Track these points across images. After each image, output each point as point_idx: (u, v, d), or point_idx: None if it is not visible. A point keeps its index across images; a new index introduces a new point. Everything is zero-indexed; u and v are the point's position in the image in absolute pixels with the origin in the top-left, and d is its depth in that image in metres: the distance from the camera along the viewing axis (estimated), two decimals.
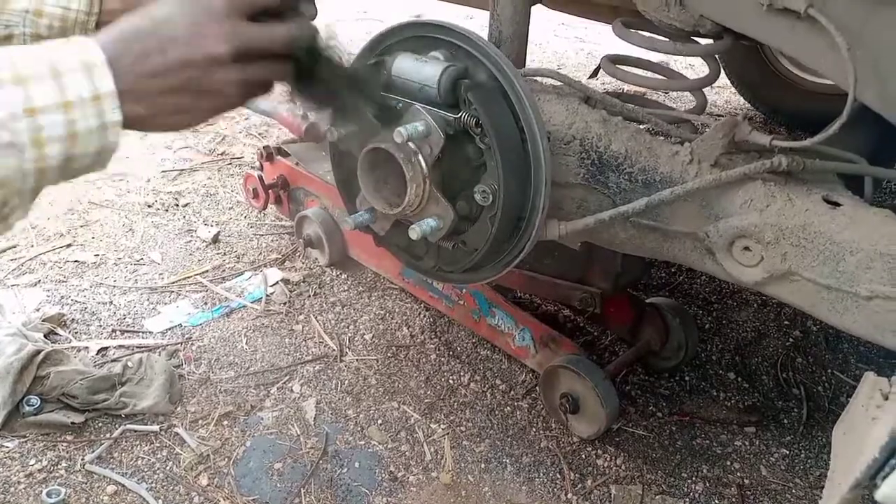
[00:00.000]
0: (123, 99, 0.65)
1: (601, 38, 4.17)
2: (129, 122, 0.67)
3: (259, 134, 2.85)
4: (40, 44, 0.64)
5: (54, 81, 0.61)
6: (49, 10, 0.99)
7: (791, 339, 1.92)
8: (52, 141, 0.61)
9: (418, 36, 1.02)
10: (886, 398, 0.83)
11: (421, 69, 0.98)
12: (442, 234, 1.04)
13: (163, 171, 2.56)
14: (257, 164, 2.20)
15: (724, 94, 3.45)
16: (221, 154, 2.71)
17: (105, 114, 0.63)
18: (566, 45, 4.15)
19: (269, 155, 2.14)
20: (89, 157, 0.64)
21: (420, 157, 0.98)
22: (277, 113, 2.20)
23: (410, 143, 0.97)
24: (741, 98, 3.26)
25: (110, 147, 0.65)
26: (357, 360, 1.76)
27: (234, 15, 0.71)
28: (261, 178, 2.14)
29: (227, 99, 0.73)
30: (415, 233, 1.01)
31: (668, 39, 1.24)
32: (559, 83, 1.17)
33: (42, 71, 0.61)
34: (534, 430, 1.60)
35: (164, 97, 0.69)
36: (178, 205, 2.38)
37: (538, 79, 1.20)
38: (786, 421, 1.67)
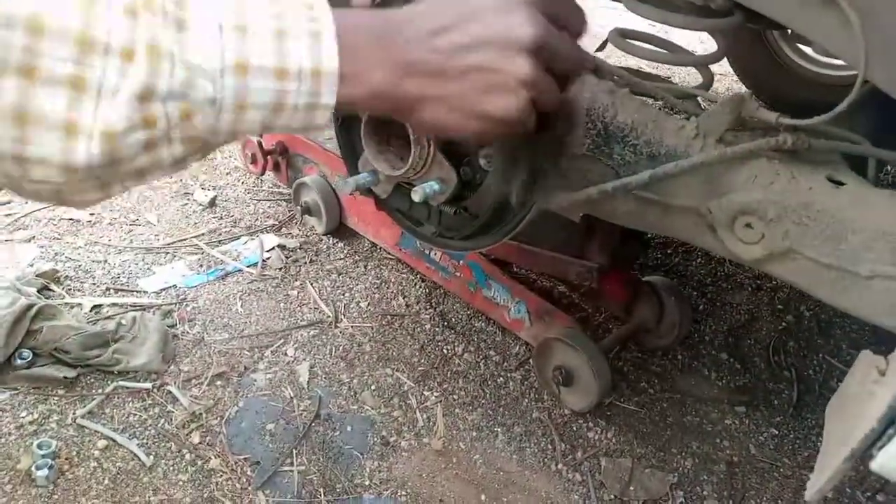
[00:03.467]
0: (403, 73, 0.59)
1: (604, 20, 4.14)
2: (396, 106, 0.61)
3: None
4: None
5: (276, 42, 0.53)
6: None
7: (784, 323, 1.93)
8: (255, 108, 0.54)
9: None
10: (883, 374, 0.83)
11: None
12: (444, 197, 1.03)
13: None
14: None
15: (726, 82, 3.44)
16: None
17: (320, 95, 0.56)
18: None
19: None
20: (287, 129, 0.59)
21: None
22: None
23: None
24: (743, 86, 3.25)
25: (313, 126, 0.59)
26: (352, 326, 1.76)
27: (541, 7, 0.65)
28: (259, 144, 2.13)
29: (510, 106, 0.64)
30: (417, 195, 1.01)
31: (678, 14, 1.22)
32: None
33: (265, 27, 0.53)
34: (526, 401, 1.61)
35: (447, 81, 0.61)
36: None
37: None
38: (776, 402, 1.69)
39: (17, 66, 0.45)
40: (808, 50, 2.88)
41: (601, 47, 1.53)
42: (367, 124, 1.04)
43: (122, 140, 0.49)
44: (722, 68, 3.23)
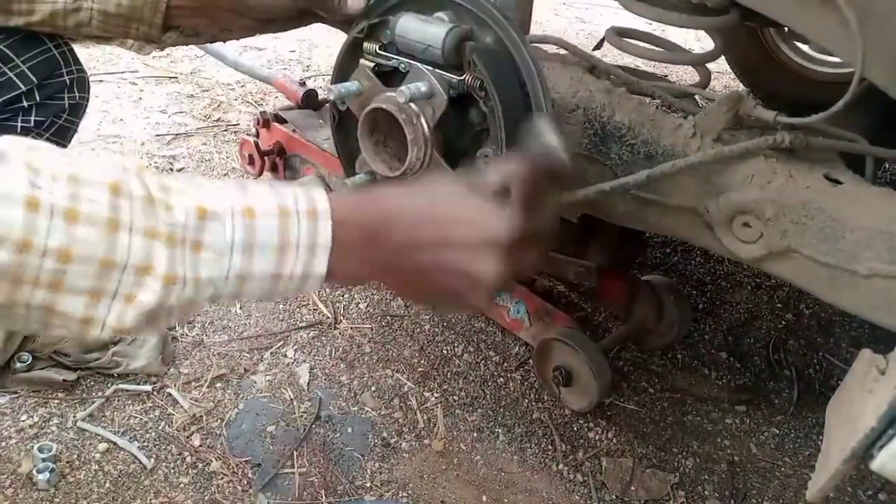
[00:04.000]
0: (386, 268, 0.66)
1: (601, 20, 4.14)
2: (385, 284, 0.69)
3: (255, 101, 2.82)
4: (278, 193, 0.62)
5: (276, 255, 0.61)
6: None
7: (783, 322, 1.93)
8: (244, 296, 0.63)
9: None
10: (883, 373, 0.83)
11: (425, 29, 0.97)
12: None
13: (157, 135, 2.54)
14: (253, 130, 2.18)
15: (724, 80, 3.44)
16: (217, 120, 2.69)
17: (306, 286, 0.64)
18: (566, 25, 4.12)
19: (265, 121, 2.12)
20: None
21: (422, 120, 0.97)
22: (275, 79, 2.18)
23: (412, 105, 0.96)
24: (741, 84, 3.25)
25: (304, 290, 0.66)
26: (351, 328, 1.76)
27: (519, 203, 0.69)
28: (257, 145, 2.12)
29: (481, 290, 0.68)
30: None
31: (675, 12, 1.23)
32: (564, 51, 1.17)
33: (270, 238, 0.60)
34: (526, 401, 1.61)
35: (422, 275, 0.68)
36: (172, 169, 2.36)
37: (543, 46, 1.19)
38: (776, 401, 1.68)
39: (47, 283, 0.52)
40: (805, 47, 2.88)
41: (598, 46, 1.53)
42: (364, 124, 1.04)
43: (129, 331, 0.58)
44: (719, 66, 3.23)
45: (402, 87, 0.94)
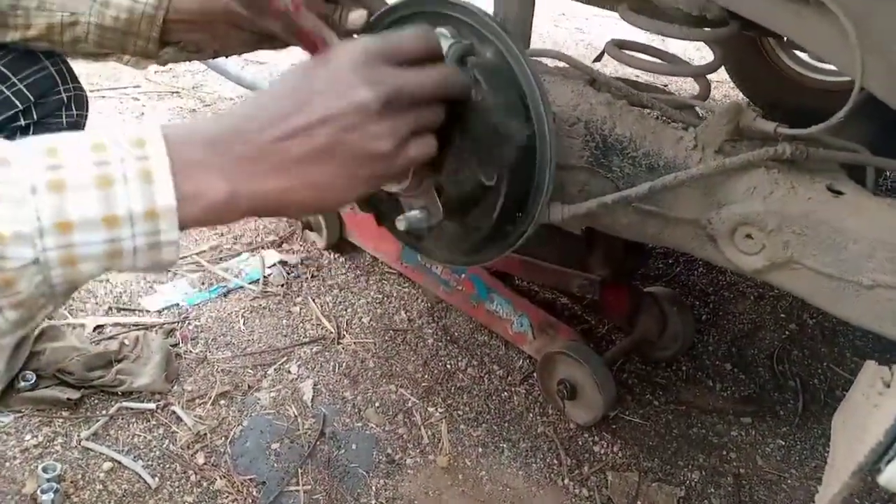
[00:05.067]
0: (252, 172, 0.57)
1: (601, 30, 4.16)
2: (260, 204, 0.58)
3: None
4: (95, 130, 0.53)
5: (99, 191, 0.50)
6: (116, 2, 0.97)
7: (787, 332, 1.92)
8: (87, 259, 0.51)
9: (424, 11, 1.01)
10: (888, 385, 0.83)
11: None
12: (429, 225, 1.04)
13: None
14: None
15: (723, 89, 3.45)
16: None
17: (159, 233, 0.53)
18: (566, 36, 4.14)
19: None
20: (135, 268, 0.55)
21: None
22: None
23: None
24: (740, 93, 3.26)
25: (163, 264, 0.55)
26: (355, 343, 1.76)
27: (379, 62, 0.62)
28: None
29: (384, 162, 0.62)
30: (402, 224, 1.01)
31: (674, 25, 1.23)
32: (565, 65, 1.17)
33: (86, 177, 0.50)
34: (531, 415, 1.60)
35: (305, 165, 0.59)
36: None
37: (544, 60, 1.20)
38: (782, 412, 1.68)
39: None
40: (804, 56, 2.89)
41: (598, 59, 1.54)
42: None
43: None
44: (719, 75, 3.23)
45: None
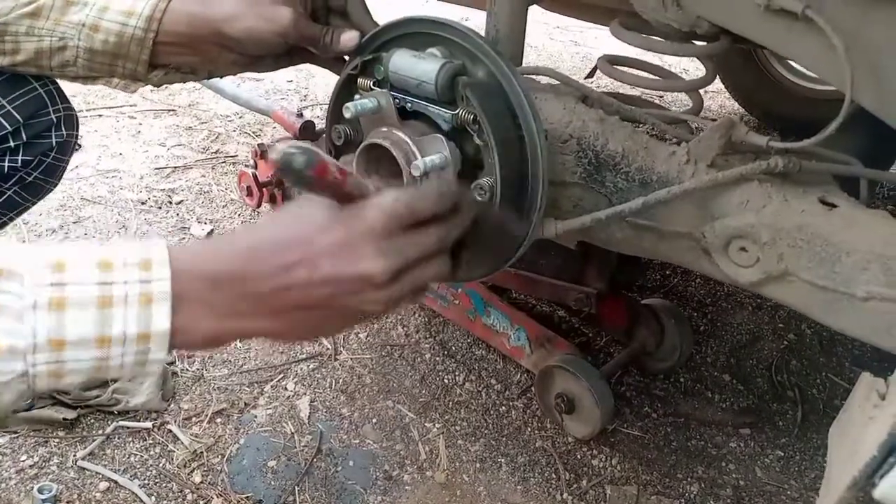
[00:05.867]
0: (246, 314, 0.60)
1: (597, 42, 4.18)
2: (247, 336, 0.66)
3: (253, 132, 2.84)
4: (104, 246, 0.56)
5: (98, 311, 0.53)
6: (106, 26, 0.98)
7: (785, 342, 1.92)
8: (73, 373, 0.54)
9: (416, 32, 1.02)
10: (883, 398, 0.83)
11: (418, 65, 0.97)
12: None
13: (156, 168, 2.55)
14: (252, 162, 2.19)
15: (719, 99, 3.47)
16: (215, 152, 2.70)
17: (148, 352, 0.55)
18: (561, 49, 4.16)
19: (263, 153, 2.13)
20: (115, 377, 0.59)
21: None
22: (272, 111, 2.19)
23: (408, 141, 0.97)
24: (735, 103, 3.27)
25: (147, 374, 0.59)
26: (351, 358, 1.76)
27: (396, 229, 0.63)
28: (255, 177, 2.13)
29: (370, 316, 0.66)
30: None
31: (665, 40, 1.24)
32: (556, 82, 1.17)
33: (88, 296, 0.52)
34: (529, 429, 1.60)
35: (297, 313, 0.62)
36: (171, 202, 2.37)
37: (535, 77, 1.20)
38: (780, 423, 1.67)
39: None
40: (799, 66, 2.90)
41: (590, 74, 1.55)
42: (360, 158, 1.04)
43: None
44: (714, 85, 3.24)
45: (417, 162, 0.94)
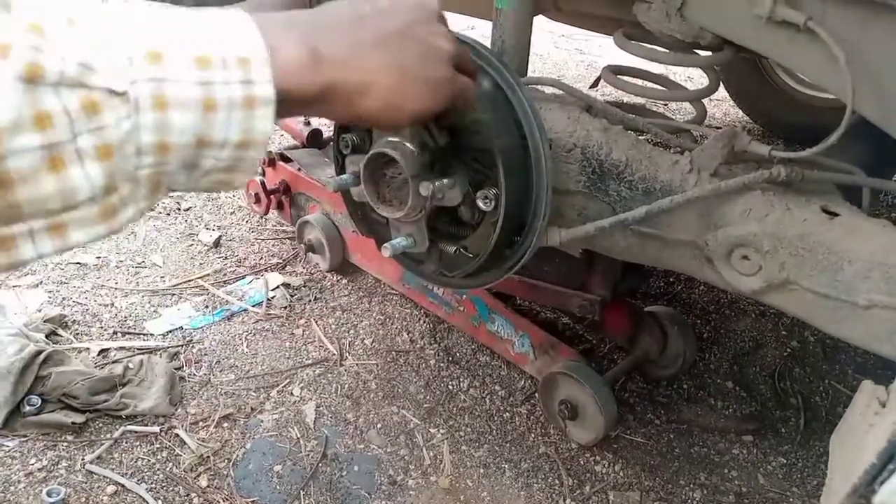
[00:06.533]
0: (331, 39, 0.58)
1: (602, 50, 4.19)
2: (340, 76, 0.58)
3: None
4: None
5: (193, 32, 0.49)
6: None
7: (789, 350, 1.93)
8: (180, 106, 0.47)
9: None
10: (884, 405, 0.83)
11: None
12: (414, 250, 1.07)
13: None
14: (259, 169, 2.21)
15: (723, 107, 3.48)
16: None
17: (252, 83, 0.49)
18: (567, 57, 4.18)
19: (271, 160, 2.15)
20: (227, 150, 0.51)
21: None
22: (280, 119, 2.21)
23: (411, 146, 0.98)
24: (739, 111, 3.28)
25: (255, 139, 0.51)
26: (357, 364, 1.77)
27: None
28: (263, 184, 2.15)
29: (444, 69, 0.67)
30: (387, 251, 1.03)
31: (668, 51, 1.25)
32: (561, 92, 1.19)
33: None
34: (532, 435, 1.61)
35: (379, 46, 0.62)
36: (179, 209, 2.39)
37: (540, 87, 1.22)
38: (783, 430, 1.68)
39: None
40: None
41: (594, 84, 1.56)
42: (367, 168, 1.05)
43: (10, 141, 0.41)
44: (719, 93, 3.26)
45: (427, 183, 0.95)
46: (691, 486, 1.52)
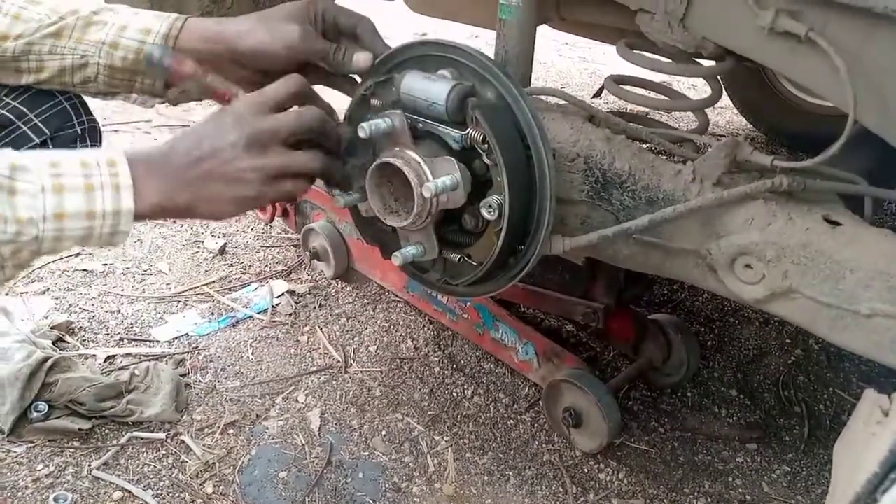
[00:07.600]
0: (169, 186, 0.83)
1: (605, 59, 4.21)
2: (174, 207, 0.84)
3: None
4: (79, 152, 0.81)
5: (85, 194, 0.77)
6: (125, 43, 1.03)
7: (793, 358, 1.93)
8: (69, 239, 0.78)
9: (427, 54, 1.04)
10: (886, 414, 0.84)
11: (429, 87, 1.00)
12: (424, 259, 1.08)
13: None
14: None
15: (727, 115, 3.48)
16: None
17: (119, 225, 0.81)
18: (570, 65, 4.19)
19: None
20: (93, 246, 0.83)
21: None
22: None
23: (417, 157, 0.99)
24: (743, 119, 3.29)
25: (114, 245, 0.84)
26: (362, 371, 1.78)
27: (255, 111, 0.88)
28: None
29: (252, 189, 0.87)
30: (398, 259, 1.04)
31: (671, 60, 1.26)
32: (564, 102, 1.20)
33: (77, 183, 0.77)
34: (536, 443, 1.61)
35: (199, 184, 0.85)
36: None
37: (543, 97, 1.23)
38: (787, 438, 1.68)
39: None
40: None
41: (597, 94, 1.57)
42: (372, 177, 1.06)
43: None
44: (722, 101, 3.26)
45: (429, 184, 0.96)
46: (695, 494, 1.52)
